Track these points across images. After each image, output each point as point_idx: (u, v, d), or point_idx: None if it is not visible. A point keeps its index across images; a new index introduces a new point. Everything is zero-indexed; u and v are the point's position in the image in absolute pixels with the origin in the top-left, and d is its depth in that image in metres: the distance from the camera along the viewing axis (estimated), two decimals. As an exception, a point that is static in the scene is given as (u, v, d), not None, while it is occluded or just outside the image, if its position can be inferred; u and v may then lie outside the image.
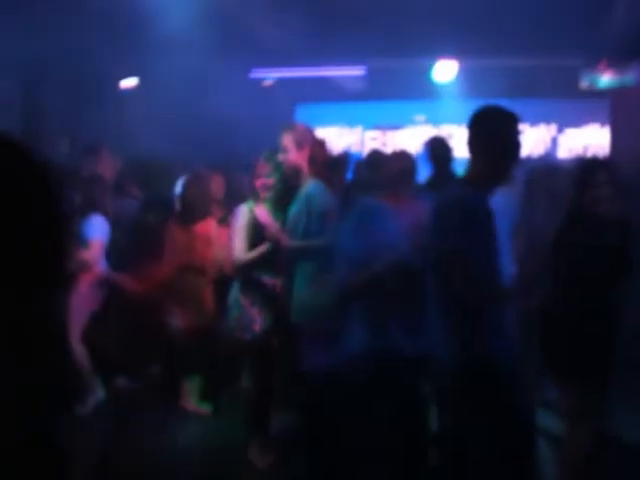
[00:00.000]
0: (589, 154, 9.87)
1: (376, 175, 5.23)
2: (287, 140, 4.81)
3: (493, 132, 3.40)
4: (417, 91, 10.41)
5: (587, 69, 9.66)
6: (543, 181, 5.50)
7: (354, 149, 10.86)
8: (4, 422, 1.38)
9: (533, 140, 10.61)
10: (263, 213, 5.03)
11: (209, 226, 6.00)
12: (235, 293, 5.10)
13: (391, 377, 3.99)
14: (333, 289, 4.34)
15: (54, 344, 1.52)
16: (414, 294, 3.82)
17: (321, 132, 8.88)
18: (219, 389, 6.04)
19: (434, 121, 11.00)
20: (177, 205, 5.95)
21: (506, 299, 3.50)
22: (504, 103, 3.48)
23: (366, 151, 7.82)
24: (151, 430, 5.22)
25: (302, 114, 10.98)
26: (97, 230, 5.78)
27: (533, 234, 4.95)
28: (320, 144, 5.11)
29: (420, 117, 11.20)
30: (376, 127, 11.49)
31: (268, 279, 5.03)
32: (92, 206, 5.82)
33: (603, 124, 10.33)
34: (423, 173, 5.65)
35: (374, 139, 11.45)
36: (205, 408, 5.95)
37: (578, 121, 10.69)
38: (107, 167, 6.48)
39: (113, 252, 5.91)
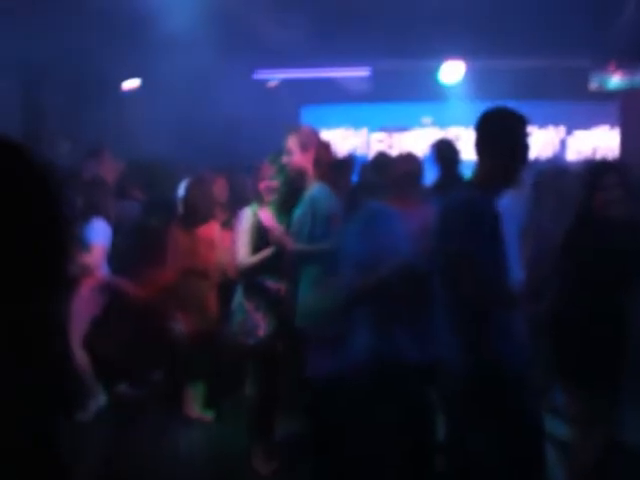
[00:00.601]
0: (598, 156, 9.83)
1: (382, 178, 5.23)
2: (292, 142, 4.77)
3: (501, 134, 3.38)
4: (424, 92, 10.42)
5: (596, 70, 9.63)
6: (552, 184, 5.48)
7: (360, 151, 10.89)
8: (4, 422, 1.39)
9: (541, 142, 10.60)
10: (267, 216, 5.00)
11: (212, 229, 5.95)
12: (239, 297, 5.07)
13: (397, 382, 3.96)
14: (338, 293, 4.30)
15: (54, 344, 1.52)
16: (420, 298, 3.81)
17: (326, 134, 8.91)
18: (222, 395, 6.01)
19: (441, 123, 11.01)
20: (180, 208, 5.92)
21: (514, 303, 3.48)
22: (512, 105, 3.47)
23: (372, 153, 7.82)
24: (153, 437, 5.21)
25: (307, 116, 10.99)
26: (99, 234, 5.75)
27: (542, 237, 4.92)
28: (325, 146, 5.08)
29: (427, 119, 11.20)
30: (382, 129, 11.50)
31: (272, 283, 4.99)
32: (94, 209, 5.79)
33: (613, 126, 10.32)
34: (430, 176, 5.63)
35: (380, 141, 11.47)
36: (208, 415, 5.91)
37: (587, 123, 10.67)
38: (109, 170, 6.48)
39: (115, 256, 5.89)
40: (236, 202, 5.90)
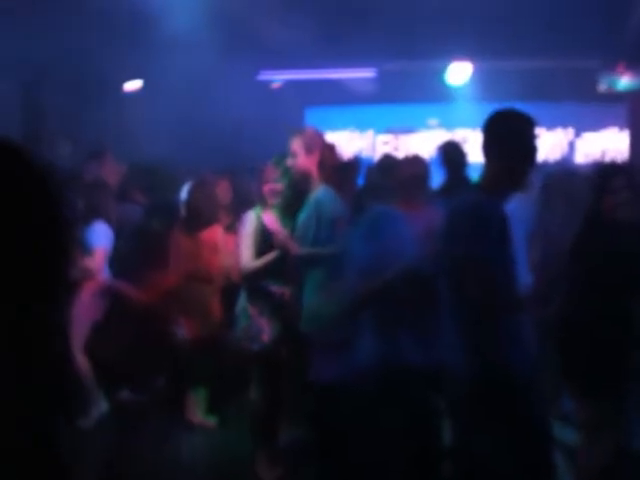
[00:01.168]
0: (607, 159, 9.78)
1: (388, 180, 5.22)
2: (296, 144, 4.75)
3: (509, 136, 3.37)
4: (430, 94, 10.42)
5: (605, 71, 9.61)
6: (560, 186, 5.49)
7: (365, 154, 10.86)
8: (4, 422, 1.38)
9: (550, 144, 10.58)
10: (271, 219, 4.97)
11: (215, 233, 5.94)
12: (243, 302, 5.05)
13: (402, 387, 3.92)
14: (343, 297, 4.28)
15: (54, 344, 1.51)
16: (426, 302, 3.78)
17: (331, 136, 8.84)
18: (226, 401, 5.99)
19: (448, 125, 11.00)
20: (182, 211, 5.91)
21: (522, 307, 3.48)
22: (520, 106, 3.48)
23: (378, 156, 7.80)
24: (155, 443, 5.19)
25: (311, 117, 10.99)
26: (100, 237, 5.74)
27: (550, 241, 4.94)
28: (330, 148, 5.06)
29: (433, 121, 11.19)
30: (388, 131, 11.49)
31: (276, 288, 4.96)
32: (95, 212, 5.79)
33: (621, 128, 10.28)
34: (436, 178, 5.63)
35: (386, 143, 11.47)
36: (211, 421, 5.89)
37: (596, 125, 10.65)
38: (111, 172, 6.50)
39: (116, 259, 5.88)
40: (239, 205, 5.90)
